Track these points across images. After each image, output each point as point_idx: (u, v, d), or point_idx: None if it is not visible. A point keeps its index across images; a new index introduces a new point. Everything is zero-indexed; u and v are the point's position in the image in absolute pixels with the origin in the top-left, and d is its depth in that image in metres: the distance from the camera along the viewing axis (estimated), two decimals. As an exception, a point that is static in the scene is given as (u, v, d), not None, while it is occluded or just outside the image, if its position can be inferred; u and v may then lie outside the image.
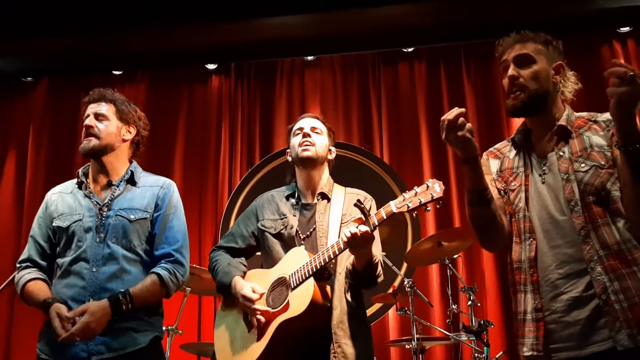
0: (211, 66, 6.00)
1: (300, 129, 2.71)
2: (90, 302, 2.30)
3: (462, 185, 5.26)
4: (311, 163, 2.64)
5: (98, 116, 2.56)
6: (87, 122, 2.55)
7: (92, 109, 2.59)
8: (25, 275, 2.45)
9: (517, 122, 5.89)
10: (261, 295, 2.43)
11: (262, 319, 2.37)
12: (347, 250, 2.32)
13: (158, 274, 2.41)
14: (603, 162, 1.90)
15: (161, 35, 5.58)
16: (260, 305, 2.40)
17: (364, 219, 2.28)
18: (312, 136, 2.66)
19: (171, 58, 5.90)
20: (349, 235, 2.24)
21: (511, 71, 2.03)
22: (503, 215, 2.07)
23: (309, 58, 5.93)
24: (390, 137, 5.66)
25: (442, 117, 1.91)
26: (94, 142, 2.52)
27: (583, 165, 1.92)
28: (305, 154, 2.63)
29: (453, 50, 5.77)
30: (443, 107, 5.62)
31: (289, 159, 2.75)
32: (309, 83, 5.89)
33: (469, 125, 1.89)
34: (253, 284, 2.48)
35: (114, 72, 6.00)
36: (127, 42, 5.67)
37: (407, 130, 5.65)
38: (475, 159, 1.95)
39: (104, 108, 2.58)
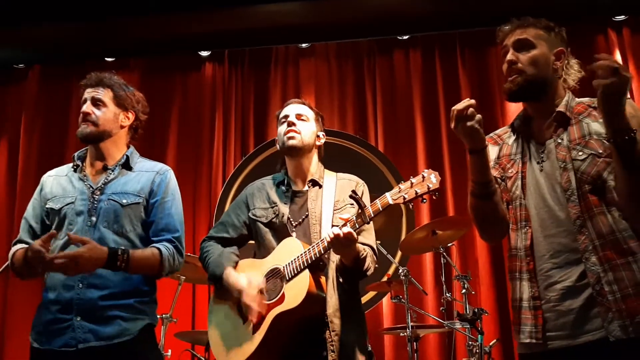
0: (204, 53, 5.96)
1: (285, 116, 2.66)
2: (93, 242, 2.26)
3: (457, 174, 5.32)
4: (297, 152, 2.60)
5: (95, 102, 2.53)
6: (84, 108, 2.52)
7: (89, 93, 2.55)
8: (15, 249, 2.45)
9: (512, 110, 5.89)
10: (260, 290, 2.39)
11: (262, 312, 2.34)
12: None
13: (159, 250, 2.39)
14: (601, 151, 1.89)
15: (155, 22, 5.53)
16: (256, 302, 2.36)
17: (358, 210, 2.27)
18: (297, 124, 2.61)
19: (164, 45, 5.85)
20: (332, 236, 2.23)
21: (510, 56, 2.02)
22: (503, 205, 2.06)
23: (304, 46, 5.90)
24: (385, 125, 5.65)
25: (453, 107, 1.90)
26: (90, 128, 2.50)
27: (581, 153, 1.91)
28: (290, 142, 2.58)
29: (448, 38, 5.76)
30: (438, 96, 5.62)
31: (278, 147, 2.70)
32: (303, 71, 5.86)
33: (478, 116, 1.89)
34: (249, 274, 2.44)
35: (106, 59, 5.95)
36: (120, 29, 5.62)
37: (402, 119, 5.64)
38: (482, 151, 1.94)
39: (102, 93, 2.54)
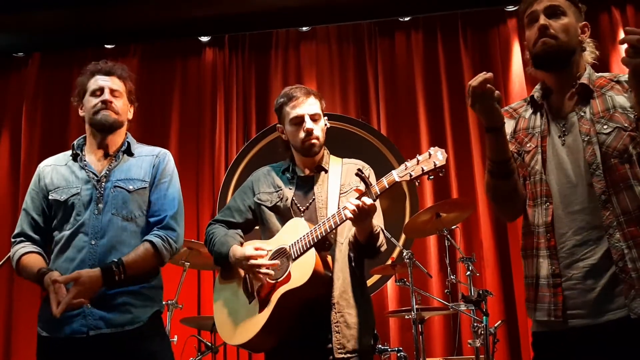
0: (205, 38, 5.92)
1: (300, 119, 2.52)
2: (82, 270, 2.26)
3: (460, 156, 5.31)
4: (316, 153, 2.57)
5: (113, 92, 2.52)
6: (105, 96, 2.49)
7: (105, 82, 2.52)
8: (20, 249, 2.43)
9: (515, 91, 5.79)
10: (268, 251, 2.40)
11: (271, 272, 2.34)
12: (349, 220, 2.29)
13: (150, 242, 2.38)
14: (626, 124, 1.84)
15: (153, 7, 5.50)
16: (267, 260, 2.36)
17: (365, 188, 2.25)
18: (315, 129, 2.52)
19: (164, 31, 5.82)
20: (353, 207, 2.20)
21: (542, 20, 1.94)
22: (521, 182, 2.01)
23: (304, 29, 5.86)
24: (387, 108, 5.62)
25: (469, 83, 1.83)
26: (114, 117, 2.49)
27: (605, 127, 1.85)
28: (312, 150, 2.54)
29: (450, 19, 5.71)
30: (440, 77, 5.59)
31: (283, 137, 2.64)
32: (304, 54, 5.82)
33: (497, 93, 1.82)
34: (255, 244, 2.45)
35: (106, 46, 5.92)
36: (119, 15, 5.58)
37: (404, 101, 5.61)
38: (500, 129, 1.89)
39: (119, 85, 2.54)
